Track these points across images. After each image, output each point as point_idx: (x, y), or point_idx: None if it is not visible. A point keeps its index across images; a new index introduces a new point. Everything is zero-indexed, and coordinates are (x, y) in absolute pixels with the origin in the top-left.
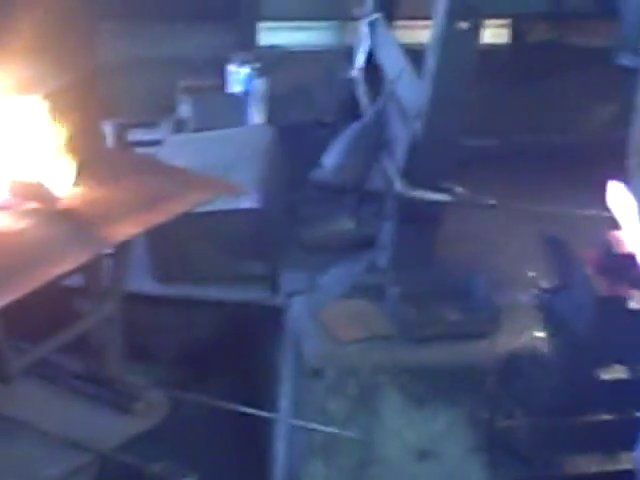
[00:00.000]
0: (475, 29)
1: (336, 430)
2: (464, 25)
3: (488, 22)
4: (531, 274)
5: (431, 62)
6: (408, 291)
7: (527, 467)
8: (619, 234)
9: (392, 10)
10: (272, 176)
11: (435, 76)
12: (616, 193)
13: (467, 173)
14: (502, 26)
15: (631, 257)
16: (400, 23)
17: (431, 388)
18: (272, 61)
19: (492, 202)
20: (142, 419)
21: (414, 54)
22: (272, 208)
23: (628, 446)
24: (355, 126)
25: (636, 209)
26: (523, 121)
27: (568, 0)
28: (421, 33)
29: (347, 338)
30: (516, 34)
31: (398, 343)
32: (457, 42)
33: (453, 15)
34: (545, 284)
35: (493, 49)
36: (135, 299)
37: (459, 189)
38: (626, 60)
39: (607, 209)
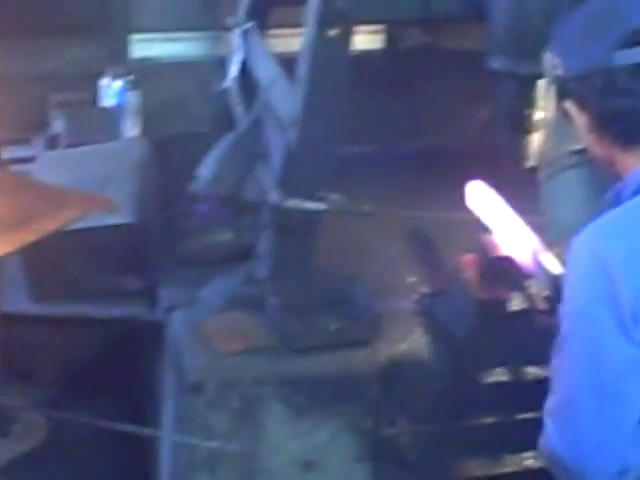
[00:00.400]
0: (346, 36)
1: (219, 444)
2: (334, 32)
3: (362, 28)
4: (410, 280)
5: (303, 70)
6: (287, 301)
7: (412, 474)
8: (494, 237)
9: (264, 19)
10: (147, 190)
11: (307, 84)
12: (477, 193)
13: (345, 181)
14: (376, 32)
15: (508, 259)
16: (273, 32)
17: (313, 398)
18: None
19: (368, 209)
20: (20, 441)
21: (288, 63)
22: (148, 222)
23: (512, 448)
24: (229, 136)
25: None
26: (399, 126)
27: (438, 5)
28: (294, 41)
29: (227, 351)
30: (390, 39)
31: (279, 354)
32: (328, 49)
33: (323, 22)
34: (424, 289)
35: (367, 55)
36: (12, 319)
37: (334, 197)
38: (496, 64)
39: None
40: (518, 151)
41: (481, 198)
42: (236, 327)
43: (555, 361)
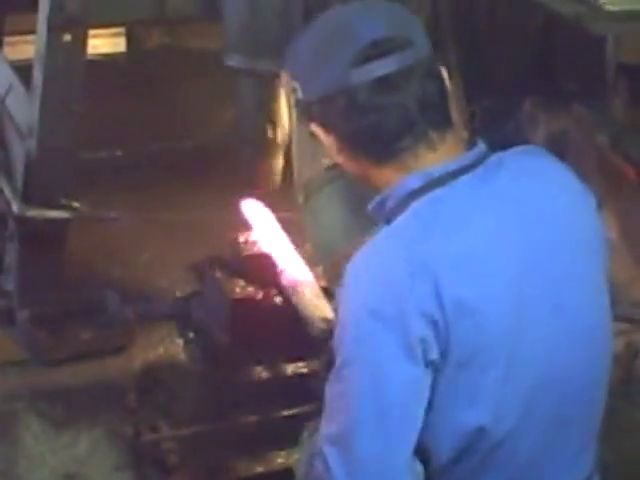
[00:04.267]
0: (79, 40)
1: None
2: (67, 37)
3: (103, 32)
4: (165, 283)
5: (37, 77)
6: (37, 313)
7: (177, 479)
8: (250, 235)
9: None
10: None
11: (42, 91)
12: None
13: (95, 187)
14: (118, 35)
15: (264, 257)
16: (8, 39)
17: (70, 410)
18: None
19: (114, 215)
20: None
21: (26, 70)
22: None
23: (275, 445)
24: None
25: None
26: (146, 129)
27: (171, 5)
28: (31, 48)
29: None
30: (133, 42)
31: (32, 368)
32: (62, 55)
33: (54, 27)
34: (179, 292)
35: (109, 59)
36: None
37: (78, 205)
38: (232, 61)
39: (235, 211)
40: (264, 149)
41: (258, 221)
42: None
43: (332, 387)
